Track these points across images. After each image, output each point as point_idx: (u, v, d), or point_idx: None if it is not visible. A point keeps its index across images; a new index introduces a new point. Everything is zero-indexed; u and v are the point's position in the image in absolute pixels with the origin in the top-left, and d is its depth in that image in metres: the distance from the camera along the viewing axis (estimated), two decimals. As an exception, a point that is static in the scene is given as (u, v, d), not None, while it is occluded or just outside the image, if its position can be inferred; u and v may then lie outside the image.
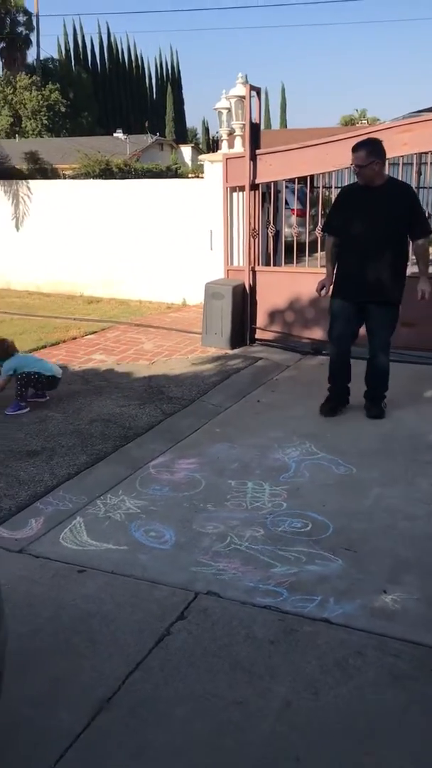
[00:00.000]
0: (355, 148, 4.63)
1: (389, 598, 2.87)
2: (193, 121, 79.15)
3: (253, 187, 6.97)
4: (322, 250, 7.02)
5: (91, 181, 12.80)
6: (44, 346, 6.96)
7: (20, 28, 42.18)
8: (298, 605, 2.82)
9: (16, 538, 3.33)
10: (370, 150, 4.59)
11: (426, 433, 4.63)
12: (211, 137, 46.18)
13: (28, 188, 10.69)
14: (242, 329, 7.15)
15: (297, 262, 7.77)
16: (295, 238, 7.24)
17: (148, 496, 3.79)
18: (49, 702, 2.30)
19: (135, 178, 15.37)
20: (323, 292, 5.02)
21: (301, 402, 5.38)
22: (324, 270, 5.19)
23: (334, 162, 6.49)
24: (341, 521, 3.50)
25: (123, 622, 2.71)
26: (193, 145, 43.90)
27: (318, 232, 6.86)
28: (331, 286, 4.97)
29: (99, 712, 2.25)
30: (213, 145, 35.18)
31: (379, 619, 2.72)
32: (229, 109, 7.69)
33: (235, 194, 7.36)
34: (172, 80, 57.81)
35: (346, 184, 7.33)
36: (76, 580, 2.99)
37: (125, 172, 20.48)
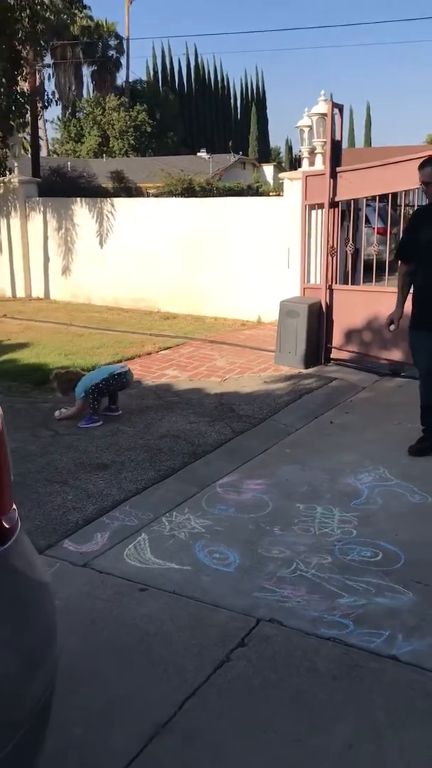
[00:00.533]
0: (422, 165, 4.40)
1: (463, 638, 2.70)
2: (276, 140, 79.72)
3: (333, 204, 6.88)
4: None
5: (172, 199, 13.01)
6: (119, 361, 7.04)
7: (111, 52, 43.62)
8: (365, 639, 2.69)
9: (80, 552, 3.34)
10: None
11: None
12: (294, 156, 46.31)
13: (112, 205, 10.95)
14: (317, 348, 7.03)
15: (376, 281, 7.59)
16: (374, 257, 7.09)
17: (213, 516, 3.74)
18: (104, 723, 2.26)
19: (216, 196, 15.54)
20: (392, 327, 4.73)
21: (376, 425, 5.23)
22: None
23: (415, 180, 6.31)
24: (414, 552, 3.34)
25: (182, 645, 2.65)
26: (275, 163, 44.12)
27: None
28: (400, 319, 4.66)
29: (153, 737, 2.20)
30: (296, 164, 35.22)
31: (451, 661, 2.56)
32: (311, 127, 7.66)
33: (313, 212, 7.29)
34: (256, 100, 58.41)
35: None
36: (138, 598, 2.96)
37: (207, 191, 20.75)
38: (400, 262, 4.74)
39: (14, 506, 1.58)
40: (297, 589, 3.05)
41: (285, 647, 2.65)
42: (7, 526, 1.51)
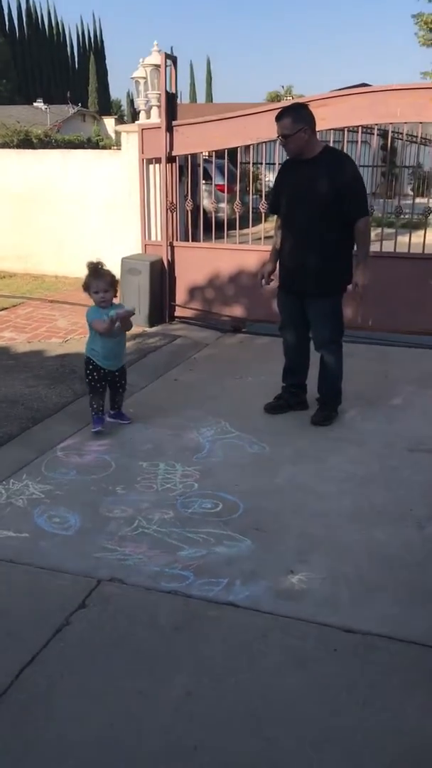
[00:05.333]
0: (279, 116, 3.99)
1: (295, 578, 2.84)
2: (118, 92, 77.55)
3: (170, 159, 6.80)
4: (246, 226, 6.94)
5: (3, 150, 12.26)
6: None
7: None
8: (204, 589, 2.76)
9: None
10: (296, 116, 3.96)
11: (341, 411, 4.62)
12: (134, 109, 45.41)
13: None
14: (161, 306, 7.01)
15: (218, 238, 7.65)
16: (213, 214, 7.12)
17: (54, 481, 3.64)
18: None
19: (55, 148, 14.85)
20: (263, 282, 4.51)
21: (219, 381, 5.31)
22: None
23: (251, 135, 6.39)
24: (252, 501, 3.45)
25: (21, 615, 2.58)
26: (116, 116, 43.02)
27: (237, 207, 6.79)
28: (270, 274, 4.48)
29: (-12, 712, 2.12)
30: (137, 117, 34.51)
31: (284, 601, 2.69)
32: (146, 79, 7.46)
33: (152, 166, 7.16)
34: (95, 49, 56.35)
35: (272, 159, 7.24)
36: (-28, 571, 2.83)
37: (45, 143, 19.82)
38: (275, 216, 4.49)
39: None
40: (139, 546, 3.05)
41: (126, 604, 2.65)
42: None
